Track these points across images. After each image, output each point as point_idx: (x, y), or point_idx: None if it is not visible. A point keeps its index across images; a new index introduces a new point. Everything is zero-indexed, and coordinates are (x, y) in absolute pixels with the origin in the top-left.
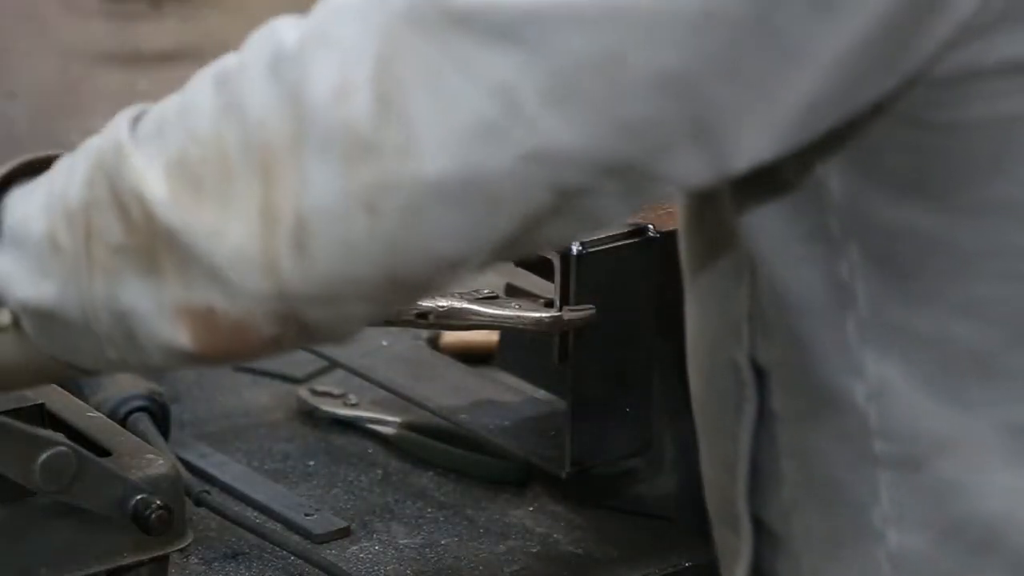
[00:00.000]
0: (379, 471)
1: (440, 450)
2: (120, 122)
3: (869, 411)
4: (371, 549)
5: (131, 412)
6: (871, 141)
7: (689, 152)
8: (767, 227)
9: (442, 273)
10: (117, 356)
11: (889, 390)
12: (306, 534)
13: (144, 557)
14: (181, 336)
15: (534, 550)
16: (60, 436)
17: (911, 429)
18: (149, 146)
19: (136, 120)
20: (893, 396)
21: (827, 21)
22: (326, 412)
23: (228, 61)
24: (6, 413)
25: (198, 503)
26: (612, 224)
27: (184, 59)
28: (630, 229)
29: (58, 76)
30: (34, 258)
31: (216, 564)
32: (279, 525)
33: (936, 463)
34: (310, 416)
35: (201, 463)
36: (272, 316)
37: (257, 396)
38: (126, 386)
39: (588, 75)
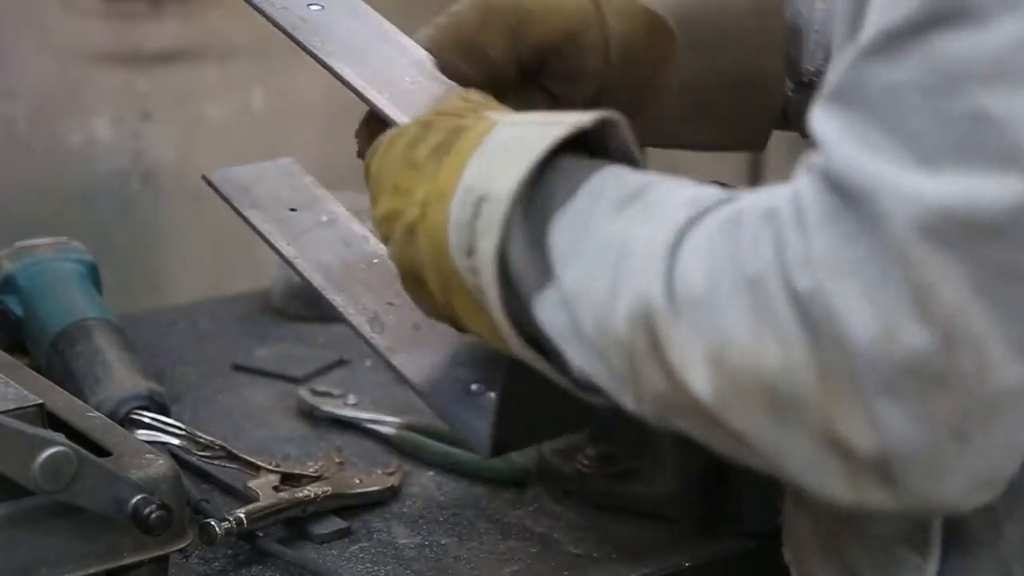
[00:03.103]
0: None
1: (440, 450)
2: (659, 251)
3: None
4: (371, 549)
5: (131, 412)
6: None
7: None
8: None
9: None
10: None
11: None
12: (306, 534)
13: (144, 557)
14: None
15: (534, 550)
16: (60, 436)
17: None
18: (687, 329)
19: (675, 247)
20: None
21: None
22: (326, 412)
23: (741, 243)
24: (6, 413)
25: (196, 511)
26: None
27: (184, 59)
28: None
29: (58, 76)
30: (586, 346)
31: (216, 564)
32: (279, 525)
33: None
34: (310, 416)
35: (201, 463)
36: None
37: (257, 396)
38: (126, 386)
39: None
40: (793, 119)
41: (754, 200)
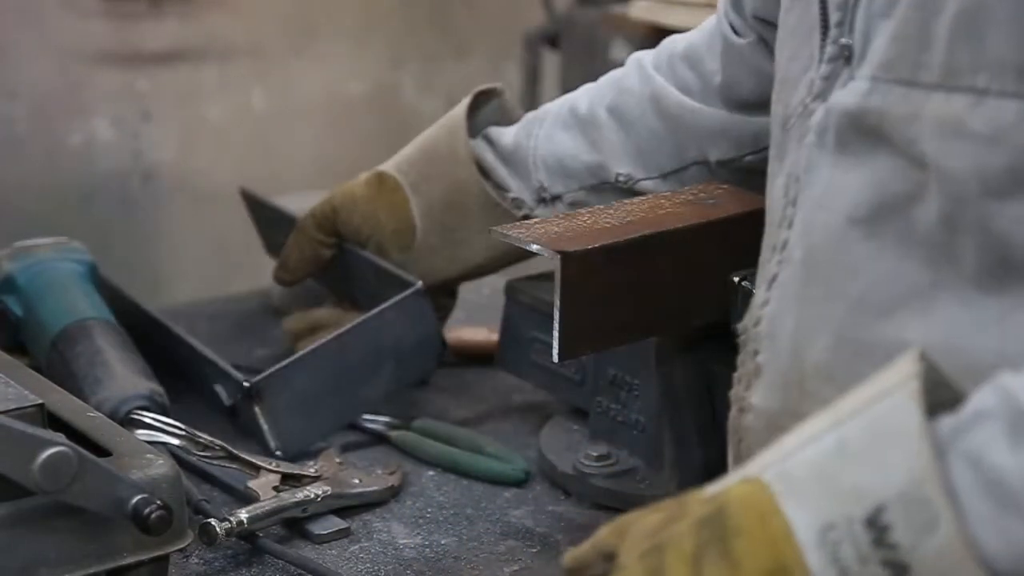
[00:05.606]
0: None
1: (440, 450)
2: None
3: None
4: (371, 549)
5: (131, 412)
6: None
7: None
8: None
9: None
10: None
11: None
12: (306, 534)
13: (144, 557)
14: None
15: (534, 550)
16: (60, 436)
17: None
18: None
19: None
20: None
21: None
22: None
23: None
24: (6, 413)
25: (197, 511)
26: None
27: (184, 59)
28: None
29: (58, 76)
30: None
31: (216, 564)
32: (279, 525)
33: None
34: None
35: (201, 463)
36: None
37: None
38: (126, 386)
39: None
40: None
41: None
